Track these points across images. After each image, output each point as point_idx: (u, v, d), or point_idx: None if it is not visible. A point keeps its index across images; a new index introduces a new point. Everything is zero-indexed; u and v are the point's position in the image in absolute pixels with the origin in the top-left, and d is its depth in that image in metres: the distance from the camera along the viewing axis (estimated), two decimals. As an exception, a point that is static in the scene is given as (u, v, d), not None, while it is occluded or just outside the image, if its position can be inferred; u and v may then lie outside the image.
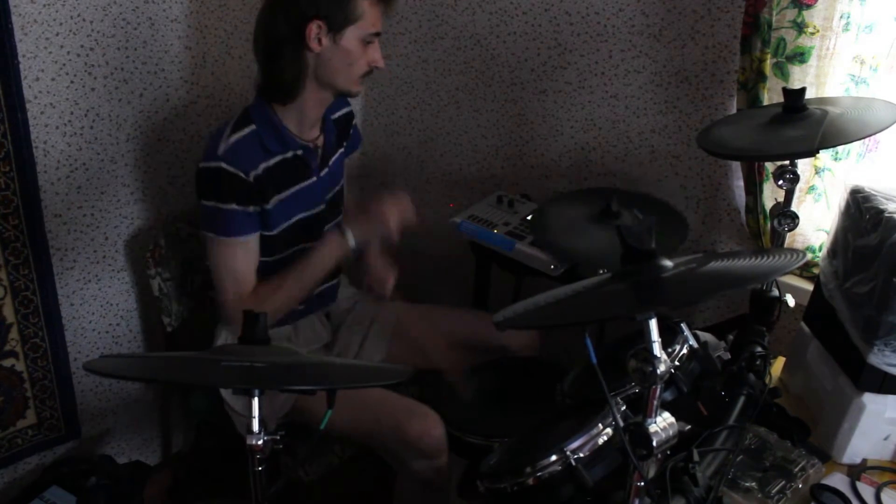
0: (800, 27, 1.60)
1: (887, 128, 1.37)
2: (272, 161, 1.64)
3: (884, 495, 1.28)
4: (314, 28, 1.55)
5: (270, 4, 1.60)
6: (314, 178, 1.73)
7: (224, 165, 1.57)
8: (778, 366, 1.63)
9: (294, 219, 1.72)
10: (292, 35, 1.57)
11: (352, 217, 1.74)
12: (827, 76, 1.63)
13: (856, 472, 1.34)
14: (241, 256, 1.64)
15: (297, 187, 1.70)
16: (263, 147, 1.62)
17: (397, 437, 1.62)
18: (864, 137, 1.47)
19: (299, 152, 1.68)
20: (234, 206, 1.59)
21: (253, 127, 1.62)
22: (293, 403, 1.70)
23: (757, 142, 1.49)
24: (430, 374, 1.75)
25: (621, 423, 1.00)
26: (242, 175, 1.58)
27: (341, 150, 1.84)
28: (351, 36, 1.58)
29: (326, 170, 1.77)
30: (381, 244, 1.80)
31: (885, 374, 1.29)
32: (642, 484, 1.01)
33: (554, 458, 1.13)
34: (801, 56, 1.62)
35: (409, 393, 1.84)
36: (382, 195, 1.70)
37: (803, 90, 1.47)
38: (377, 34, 1.62)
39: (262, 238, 1.67)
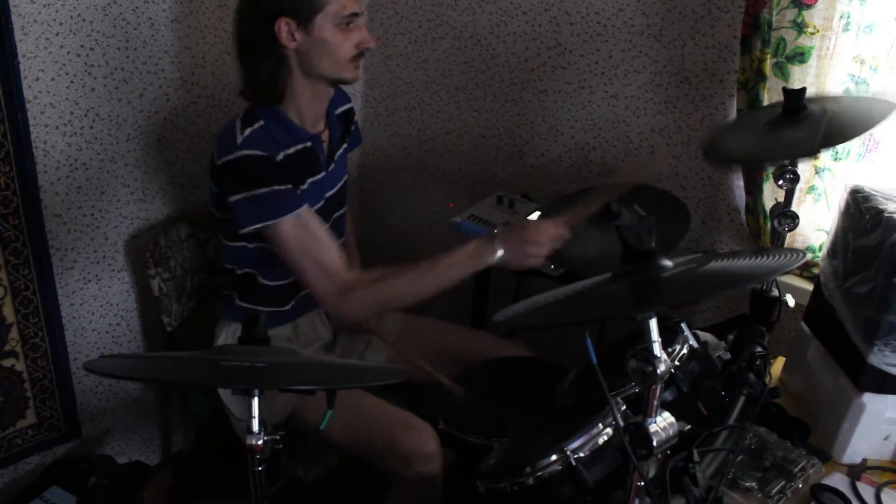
0: (800, 27, 1.60)
1: (885, 119, 1.37)
2: (288, 151, 1.62)
3: (884, 495, 1.28)
4: (283, 25, 1.54)
5: (239, 9, 1.60)
6: (323, 173, 1.73)
7: (248, 152, 1.54)
8: (778, 366, 1.63)
9: (318, 206, 1.70)
10: (265, 36, 1.56)
11: (507, 233, 1.59)
12: (827, 76, 1.63)
13: (856, 472, 1.34)
14: (303, 234, 1.56)
15: (311, 180, 1.68)
16: (274, 140, 1.61)
17: (391, 450, 1.62)
18: (863, 133, 1.47)
19: (308, 144, 1.67)
20: (273, 187, 1.54)
21: (261, 122, 1.60)
22: (290, 412, 1.70)
23: (758, 146, 1.49)
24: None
25: (621, 423, 1.00)
26: (269, 155, 1.56)
27: (344, 146, 1.84)
28: (322, 24, 1.55)
29: (333, 165, 1.76)
30: (529, 264, 1.60)
31: (885, 374, 1.29)
32: (642, 484, 1.01)
33: (554, 458, 1.13)
34: (801, 56, 1.62)
35: (409, 394, 1.84)
36: (544, 222, 1.59)
37: (803, 90, 1.47)
38: (355, 14, 1.57)
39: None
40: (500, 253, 1.55)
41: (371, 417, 1.66)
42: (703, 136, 1.59)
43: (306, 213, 1.59)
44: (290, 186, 1.58)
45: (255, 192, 1.54)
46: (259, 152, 1.55)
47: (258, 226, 1.57)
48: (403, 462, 1.62)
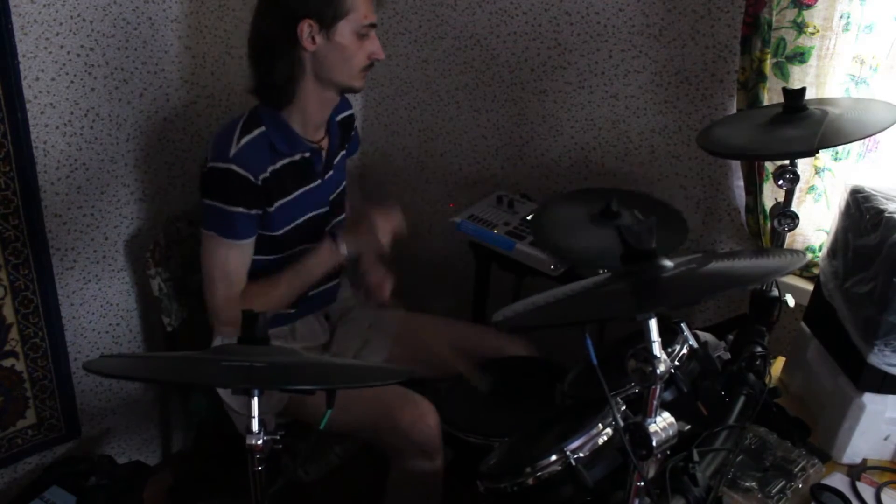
0: (800, 27, 1.60)
1: (887, 128, 1.37)
2: (279, 164, 1.64)
3: (884, 495, 1.28)
4: (306, 27, 1.55)
5: (260, 7, 1.61)
6: (319, 181, 1.73)
7: (234, 168, 1.57)
8: (778, 366, 1.63)
9: (301, 219, 1.72)
10: (285, 36, 1.57)
11: (346, 227, 1.76)
12: (827, 76, 1.63)
13: (856, 472, 1.34)
14: (237, 258, 1.65)
15: (302, 190, 1.70)
16: (272, 148, 1.62)
17: (390, 425, 1.62)
18: (863, 137, 1.47)
19: (307, 154, 1.69)
20: (240, 210, 1.60)
21: (262, 128, 1.62)
22: (289, 400, 1.70)
23: (757, 141, 1.49)
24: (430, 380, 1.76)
25: (621, 423, 1.00)
26: (252, 178, 1.58)
27: (343, 151, 1.85)
28: (344, 30, 1.57)
29: (331, 172, 1.77)
30: (376, 254, 1.80)
31: (885, 374, 1.29)
32: (642, 484, 1.01)
33: (554, 458, 1.13)
34: (801, 56, 1.62)
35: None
36: (374, 208, 1.73)
37: (803, 90, 1.47)
38: (372, 25, 1.61)
39: (266, 238, 1.68)
40: (344, 251, 1.71)
41: (369, 394, 1.66)
42: (701, 133, 1.59)
43: (248, 244, 1.66)
44: (256, 212, 1.63)
45: (225, 206, 1.59)
46: (244, 172, 1.58)
47: (210, 233, 1.63)
48: (404, 437, 1.62)
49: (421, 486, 1.68)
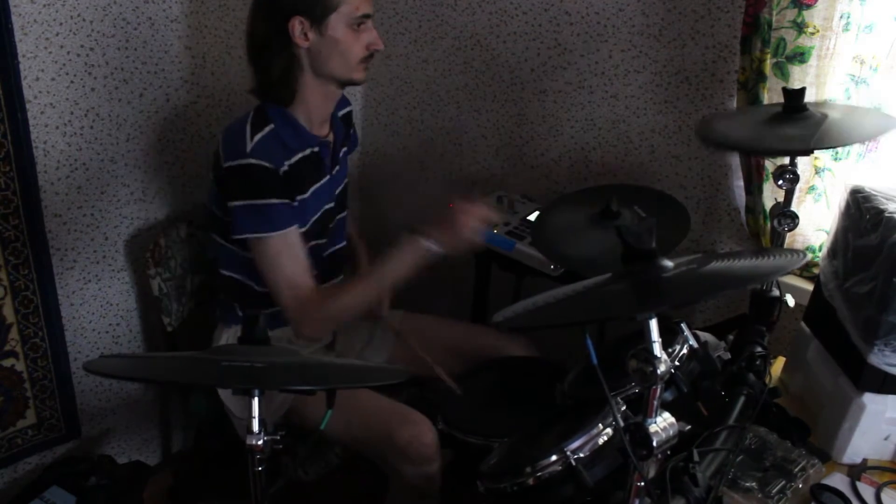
0: (800, 27, 1.60)
1: (885, 133, 1.37)
2: (294, 159, 1.63)
3: (884, 495, 1.28)
4: (296, 24, 1.55)
5: (253, 7, 1.61)
6: (328, 177, 1.74)
7: (254, 161, 1.55)
8: (778, 366, 1.63)
9: (315, 215, 1.71)
10: (277, 34, 1.57)
11: (430, 224, 1.58)
12: (827, 76, 1.63)
13: (856, 472, 1.34)
14: (286, 252, 1.60)
15: (315, 185, 1.70)
16: (284, 145, 1.62)
17: (388, 443, 1.62)
18: (862, 141, 1.47)
19: (316, 149, 1.69)
20: (272, 200, 1.57)
21: (272, 126, 1.61)
22: (289, 407, 1.70)
23: (755, 136, 1.49)
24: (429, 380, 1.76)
25: (621, 423, 1.00)
26: (274, 168, 1.57)
27: (345, 148, 1.85)
28: (336, 24, 1.56)
29: (337, 167, 1.78)
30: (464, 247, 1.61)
31: (885, 374, 1.29)
32: (642, 484, 1.01)
33: (554, 458, 1.13)
34: (801, 56, 1.62)
35: (408, 393, 1.84)
36: (461, 202, 1.58)
37: (803, 90, 1.47)
38: (366, 16, 1.60)
39: None
40: (432, 248, 1.56)
41: (368, 411, 1.66)
42: (700, 123, 1.59)
43: (293, 232, 1.61)
44: (287, 201, 1.60)
45: (256, 202, 1.57)
46: (265, 163, 1.56)
47: (250, 235, 1.59)
48: (400, 454, 1.62)
49: (418, 491, 1.68)
